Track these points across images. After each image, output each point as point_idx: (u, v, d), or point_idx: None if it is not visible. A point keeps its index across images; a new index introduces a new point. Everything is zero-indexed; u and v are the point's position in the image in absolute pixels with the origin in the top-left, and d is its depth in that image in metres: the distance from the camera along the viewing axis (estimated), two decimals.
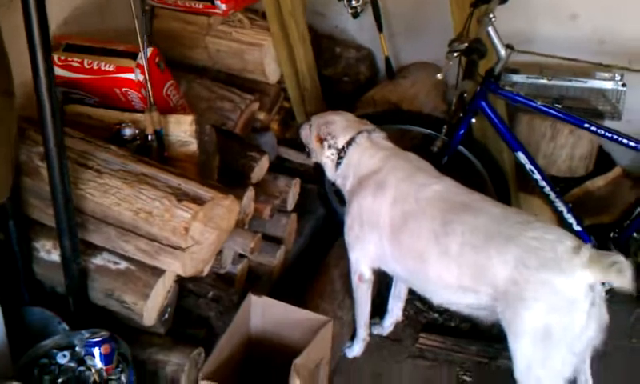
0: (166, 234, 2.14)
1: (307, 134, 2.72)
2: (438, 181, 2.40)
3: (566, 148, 3.13)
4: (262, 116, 3.06)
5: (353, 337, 2.81)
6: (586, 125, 2.59)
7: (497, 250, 2.15)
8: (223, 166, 2.75)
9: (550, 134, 3.12)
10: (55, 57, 2.47)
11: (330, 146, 2.59)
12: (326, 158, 2.62)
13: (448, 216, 2.28)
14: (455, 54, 2.46)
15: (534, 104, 2.62)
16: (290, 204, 3.09)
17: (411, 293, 3.05)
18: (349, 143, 2.56)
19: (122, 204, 2.17)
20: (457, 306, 2.38)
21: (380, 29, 3.42)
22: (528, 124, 3.18)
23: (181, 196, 2.15)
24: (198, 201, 2.15)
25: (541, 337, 2.09)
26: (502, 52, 2.54)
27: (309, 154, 2.77)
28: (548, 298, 2.08)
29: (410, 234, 2.36)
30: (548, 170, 3.15)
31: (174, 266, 2.19)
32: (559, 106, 2.96)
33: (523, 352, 2.16)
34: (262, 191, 2.94)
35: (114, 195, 2.18)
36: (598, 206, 3.18)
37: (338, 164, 2.59)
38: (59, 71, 2.47)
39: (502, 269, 2.13)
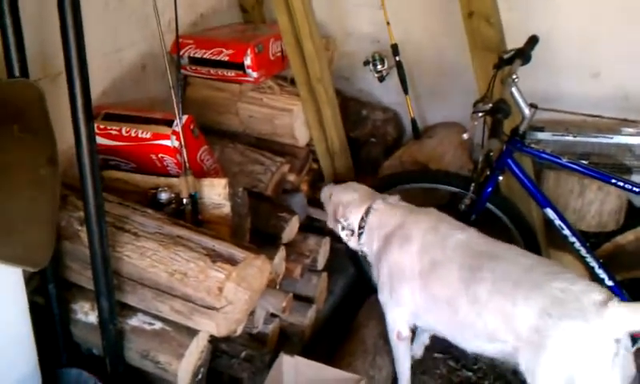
0: (200, 295, 2.18)
1: (326, 198, 2.87)
2: (461, 231, 2.47)
3: (594, 203, 3.14)
4: (292, 177, 3.14)
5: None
6: (613, 180, 2.60)
7: (523, 298, 2.18)
8: (254, 227, 2.81)
9: (579, 189, 3.13)
10: (95, 125, 2.59)
11: (343, 228, 2.71)
12: (345, 236, 2.74)
13: (477, 263, 2.33)
14: (480, 114, 2.52)
15: (560, 161, 2.64)
16: (321, 263, 3.13)
17: (444, 352, 3.07)
18: (367, 213, 2.67)
19: (158, 265, 2.23)
20: (489, 354, 2.40)
21: (405, 91, 3.51)
22: (555, 180, 3.19)
23: (215, 257, 2.20)
24: (232, 261, 2.20)
25: None
26: (526, 111, 2.59)
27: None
28: (570, 348, 2.08)
29: (439, 282, 2.41)
30: (577, 225, 3.15)
31: (209, 327, 2.23)
32: (585, 163, 3.01)
33: None
34: (292, 251, 3.00)
35: (150, 257, 2.24)
36: (629, 260, 3.16)
37: (360, 234, 2.69)
38: (98, 139, 2.52)
39: (527, 317, 2.15)
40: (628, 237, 3.20)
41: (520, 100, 2.58)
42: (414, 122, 3.55)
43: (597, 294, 2.09)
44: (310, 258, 3.03)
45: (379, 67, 3.51)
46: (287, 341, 2.99)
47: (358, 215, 2.68)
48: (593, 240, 3.21)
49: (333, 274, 3.28)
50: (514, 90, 2.56)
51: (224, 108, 3.15)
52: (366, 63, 3.52)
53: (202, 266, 2.19)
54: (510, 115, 2.45)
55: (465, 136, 2.53)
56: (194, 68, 3.10)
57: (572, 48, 3.30)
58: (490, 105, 2.48)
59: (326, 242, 3.13)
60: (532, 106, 2.61)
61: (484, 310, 2.27)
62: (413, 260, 2.47)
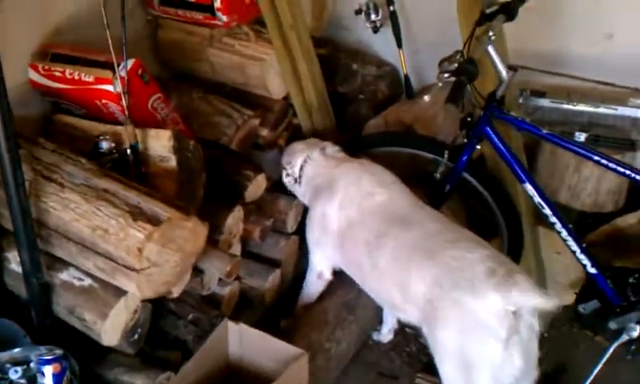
0: (121, 254, 2.05)
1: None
2: (384, 190, 2.40)
3: (591, 181, 2.84)
4: (264, 133, 2.95)
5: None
6: (596, 157, 2.32)
7: (417, 267, 2.13)
8: (219, 183, 2.66)
9: (575, 164, 2.84)
10: (39, 66, 2.47)
11: (288, 175, 2.71)
12: (289, 185, 2.73)
13: (383, 229, 2.28)
14: (446, 75, 2.27)
15: (538, 131, 2.38)
16: (291, 226, 2.96)
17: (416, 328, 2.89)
18: (305, 162, 2.65)
19: (81, 220, 2.10)
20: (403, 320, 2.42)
21: (399, 44, 3.24)
22: (552, 153, 2.91)
23: (137, 215, 2.05)
24: (155, 221, 2.05)
25: (459, 362, 2.02)
26: (504, 73, 2.33)
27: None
28: (459, 320, 2.00)
29: (351, 242, 2.40)
30: (572, 203, 2.90)
31: (130, 287, 2.11)
32: (586, 134, 2.73)
33: (446, 377, 2.11)
34: (259, 211, 2.83)
35: (74, 210, 2.11)
36: (630, 245, 2.88)
37: (299, 184, 2.67)
38: (43, 80, 2.47)
39: (421, 287, 2.10)
40: (628, 220, 2.92)
41: (497, 61, 2.31)
42: (407, 79, 3.29)
43: (490, 262, 1.97)
44: (278, 219, 2.86)
45: (373, 17, 3.25)
46: (248, 304, 2.85)
47: (298, 163, 2.67)
48: (590, 221, 2.95)
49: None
50: (490, 49, 2.29)
51: (196, 53, 2.96)
52: (358, 12, 3.26)
53: (122, 224, 2.05)
54: (476, 78, 2.20)
55: (426, 98, 2.32)
56: (162, 8, 2.91)
57: (584, 4, 2.98)
58: (455, 64, 2.22)
59: (298, 204, 2.93)
60: (511, 67, 2.34)
61: (383, 278, 2.25)
62: (334, 214, 2.46)
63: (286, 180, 2.75)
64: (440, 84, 2.29)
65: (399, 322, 2.86)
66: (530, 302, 1.92)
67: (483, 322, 1.94)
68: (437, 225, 2.23)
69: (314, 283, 2.69)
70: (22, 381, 2.08)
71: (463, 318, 1.99)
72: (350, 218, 2.39)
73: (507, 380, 1.98)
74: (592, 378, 2.44)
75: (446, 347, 2.05)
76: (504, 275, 1.93)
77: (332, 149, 2.68)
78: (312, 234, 2.62)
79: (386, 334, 2.88)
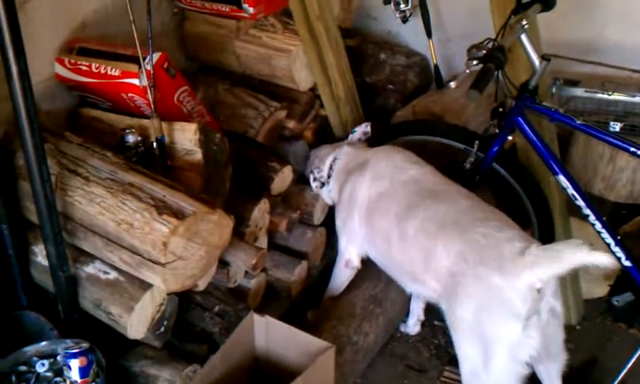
0: (146, 248, 2.05)
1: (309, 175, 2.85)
2: (417, 166, 2.44)
3: (626, 171, 2.75)
4: (291, 124, 2.92)
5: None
6: (632, 149, 2.23)
7: (443, 241, 2.13)
8: (245, 175, 2.64)
9: (609, 154, 2.76)
10: (66, 60, 2.47)
11: (314, 179, 2.75)
12: (316, 189, 2.78)
13: (415, 200, 2.29)
14: (475, 62, 2.21)
15: (573, 122, 2.30)
16: (318, 218, 2.93)
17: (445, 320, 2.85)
18: (334, 160, 2.67)
19: (106, 214, 2.10)
20: (422, 296, 2.44)
21: (429, 34, 3.18)
22: (586, 143, 2.83)
23: (162, 209, 2.04)
24: (180, 215, 2.04)
25: (477, 337, 2.01)
26: (537, 63, 2.26)
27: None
28: (481, 296, 2.00)
29: (379, 214, 2.40)
30: (606, 195, 2.81)
31: (156, 281, 2.10)
32: (621, 124, 2.66)
33: (464, 353, 2.09)
34: (285, 203, 2.81)
35: (99, 204, 2.11)
36: None
37: (328, 183, 2.69)
38: (69, 74, 2.47)
39: (445, 261, 2.10)
40: None
41: (530, 50, 2.24)
42: (436, 69, 3.23)
43: (520, 243, 1.95)
44: (300, 211, 2.82)
45: (402, 7, 3.18)
46: (275, 296, 2.83)
47: (327, 163, 2.70)
48: (625, 212, 2.87)
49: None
50: (523, 37, 2.22)
51: (222, 46, 2.95)
52: (387, 2, 3.18)
53: (147, 218, 2.04)
54: (504, 65, 2.13)
55: (452, 84, 2.29)
56: (189, 1, 2.89)
57: None
58: (484, 51, 2.16)
59: None
60: (544, 57, 2.26)
61: (410, 248, 2.25)
62: (364, 188, 2.47)
63: (314, 184, 2.77)
64: (467, 71, 2.23)
65: (426, 313, 2.83)
66: (564, 265, 1.87)
67: (505, 300, 1.93)
68: (468, 202, 2.24)
69: (342, 271, 2.66)
70: (49, 374, 2.11)
71: (486, 295, 1.98)
72: (380, 191, 2.40)
73: (524, 358, 1.98)
74: (625, 371, 2.41)
75: (465, 322, 2.04)
76: (532, 254, 1.92)
77: (360, 143, 2.73)
78: (340, 217, 2.62)
79: (412, 326, 2.85)
